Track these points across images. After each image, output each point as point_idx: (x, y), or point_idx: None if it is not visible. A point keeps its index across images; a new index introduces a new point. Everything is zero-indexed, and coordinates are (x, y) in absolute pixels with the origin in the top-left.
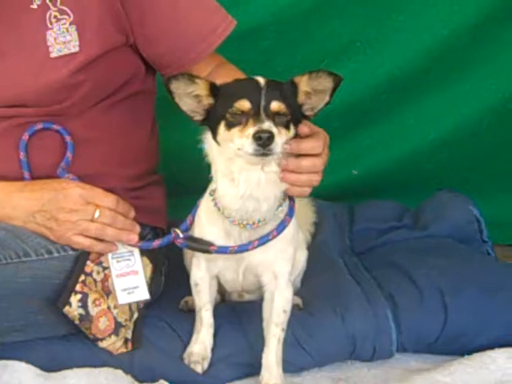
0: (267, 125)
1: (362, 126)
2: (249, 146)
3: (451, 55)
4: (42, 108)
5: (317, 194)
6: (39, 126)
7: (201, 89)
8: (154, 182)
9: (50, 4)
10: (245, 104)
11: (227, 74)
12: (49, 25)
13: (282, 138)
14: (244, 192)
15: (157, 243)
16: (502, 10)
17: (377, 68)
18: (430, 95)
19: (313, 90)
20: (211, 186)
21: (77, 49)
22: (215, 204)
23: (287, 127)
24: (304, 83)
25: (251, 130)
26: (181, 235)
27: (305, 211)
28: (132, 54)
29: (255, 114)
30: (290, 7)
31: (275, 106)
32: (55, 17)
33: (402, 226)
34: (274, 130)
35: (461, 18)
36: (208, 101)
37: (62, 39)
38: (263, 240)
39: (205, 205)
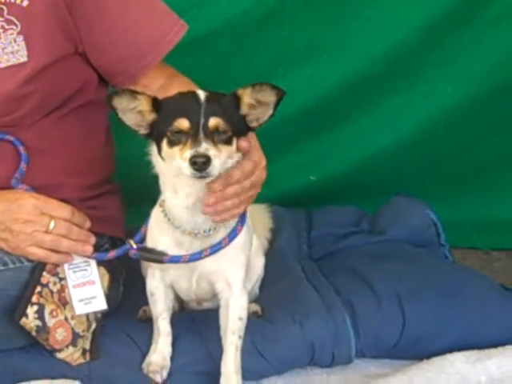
0: (204, 148)
1: (319, 131)
2: (186, 168)
3: (406, 59)
4: None
5: (274, 200)
6: None
7: (143, 105)
8: (110, 191)
9: None
10: (183, 123)
11: (179, 87)
12: None
13: (221, 157)
14: (189, 204)
15: (112, 254)
16: (456, 14)
17: (332, 73)
18: (386, 99)
19: (256, 102)
20: (161, 197)
21: (25, 59)
22: (165, 215)
23: (229, 142)
24: (247, 96)
25: (188, 153)
26: (134, 246)
27: (261, 217)
28: (82, 62)
29: (194, 134)
30: (243, 13)
31: (213, 122)
32: (2, 27)
33: (360, 231)
34: (211, 152)
35: (415, 22)
36: (151, 116)
37: (10, 49)
38: (215, 248)
39: (155, 215)
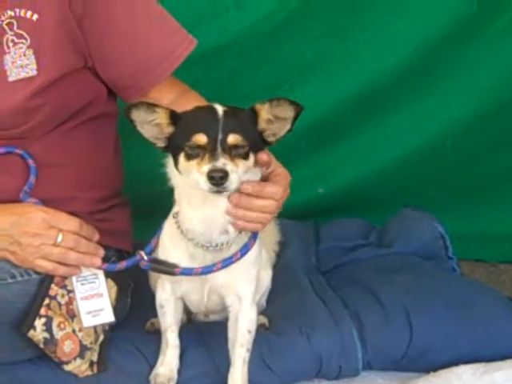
0: (221, 163)
1: (328, 144)
2: (204, 183)
3: (415, 72)
4: (2, 131)
5: (282, 213)
6: (1, 150)
7: (161, 117)
8: (119, 204)
9: (6, 28)
10: (202, 138)
11: (190, 103)
12: (6, 49)
13: (238, 172)
14: (205, 217)
15: (122, 265)
16: (464, 27)
17: (341, 86)
18: (395, 112)
19: (274, 118)
20: (174, 209)
21: (34, 72)
22: (178, 227)
23: (246, 157)
24: (265, 111)
25: (205, 167)
26: (145, 257)
27: (269, 230)
28: (91, 76)
29: (212, 148)
30: (252, 27)
31: (232, 139)
32: (12, 41)
33: (368, 244)
34: (229, 167)
35: (424, 36)
36: (169, 129)
37: (20, 63)
38: (227, 262)
39: (168, 227)
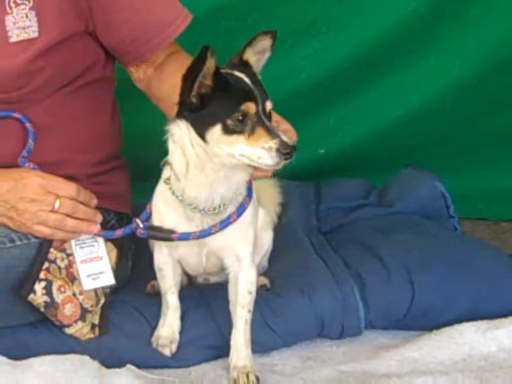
0: (286, 138)
1: (328, 104)
2: (271, 159)
3: (414, 32)
4: (1, 94)
5: (283, 174)
6: None
7: (211, 68)
8: (117, 167)
9: None
10: (252, 107)
11: (181, 63)
12: (8, 10)
13: None
14: (213, 185)
15: (118, 233)
16: None
17: (340, 47)
18: (395, 73)
19: (258, 54)
20: (165, 174)
21: (36, 34)
22: (173, 192)
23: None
24: (250, 55)
25: (272, 143)
26: (141, 225)
27: (271, 192)
28: (91, 41)
29: (259, 120)
30: None
31: (270, 106)
32: (14, 2)
33: (369, 204)
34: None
35: None
36: (209, 83)
37: (22, 24)
38: (224, 224)
39: (161, 194)
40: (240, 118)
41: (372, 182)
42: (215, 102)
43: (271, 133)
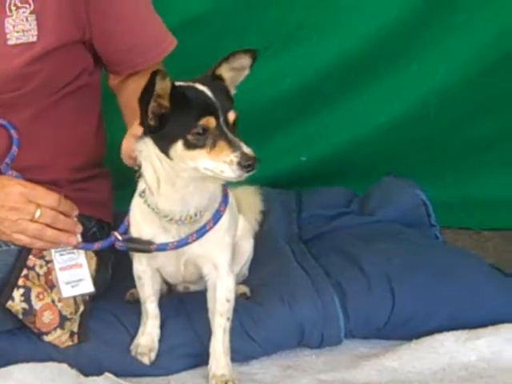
0: (247, 150)
1: (310, 111)
2: (232, 172)
3: (398, 39)
4: None
5: (264, 182)
6: None
7: (166, 88)
8: (100, 175)
9: None
10: (210, 121)
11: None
12: (8, 12)
13: None
14: (189, 197)
15: (97, 246)
16: None
17: (323, 53)
18: (378, 79)
19: (234, 72)
20: (139, 187)
21: (35, 38)
22: (148, 205)
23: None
24: (225, 71)
25: (233, 156)
26: (119, 238)
27: (252, 200)
28: (84, 49)
29: (220, 133)
30: None
31: (232, 117)
32: (15, 5)
33: (350, 212)
34: (253, 151)
35: (406, 1)
36: (165, 103)
37: (21, 27)
38: (201, 232)
39: (137, 206)
40: (200, 132)
41: (354, 190)
42: (174, 120)
43: (232, 145)
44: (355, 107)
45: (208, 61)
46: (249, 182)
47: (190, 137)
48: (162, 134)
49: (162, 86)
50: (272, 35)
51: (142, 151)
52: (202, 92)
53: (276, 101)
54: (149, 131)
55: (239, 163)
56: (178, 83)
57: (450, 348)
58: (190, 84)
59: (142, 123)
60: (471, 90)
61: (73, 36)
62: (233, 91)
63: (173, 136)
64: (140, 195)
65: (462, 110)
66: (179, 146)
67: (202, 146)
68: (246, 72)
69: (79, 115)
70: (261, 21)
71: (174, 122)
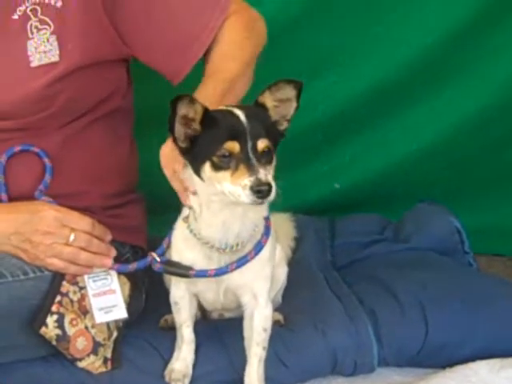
0: (263, 174)
1: (344, 138)
2: (246, 197)
3: (431, 65)
4: (19, 120)
5: (298, 209)
6: (17, 148)
7: (197, 112)
8: (134, 201)
9: (30, 14)
10: (235, 146)
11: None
12: (30, 35)
13: (273, 179)
14: (226, 223)
15: (133, 266)
16: (482, 19)
17: (357, 80)
18: (411, 106)
19: (278, 102)
20: (184, 213)
21: (57, 58)
22: (191, 231)
23: (271, 161)
24: (269, 100)
25: (247, 181)
26: (157, 259)
27: (285, 226)
28: (121, 67)
29: (245, 158)
30: (267, 20)
31: (261, 145)
32: (36, 27)
33: (384, 240)
34: (269, 177)
35: (441, 28)
36: (197, 128)
37: (43, 49)
38: (241, 262)
39: (180, 232)
40: (226, 155)
41: (387, 217)
42: (203, 143)
43: (251, 170)
44: (388, 134)
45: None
46: (282, 209)
47: (215, 159)
48: (194, 155)
49: (194, 109)
50: (304, 62)
51: (187, 176)
52: (235, 117)
53: (309, 128)
54: (181, 153)
55: (251, 188)
56: (221, 108)
57: (484, 377)
58: (228, 108)
59: (177, 146)
60: (505, 115)
61: (102, 53)
62: (284, 125)
63: (202, 157)
64: (183, 220)
65: (494, 136)
66: (207, 167)
67: (226, 169)
68: (294, 105)
69: (112, 140)
70: (293, 47)
71: (203, 144)
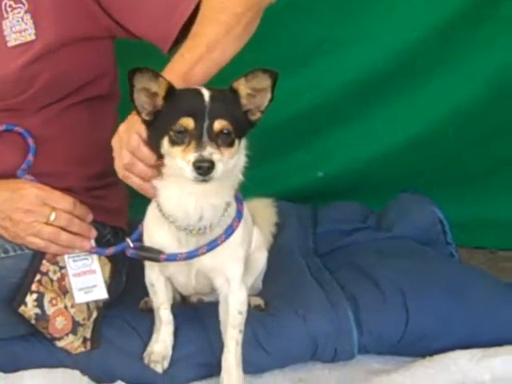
0: (208, 152)
1: (329, 127)
2: (189, 172)
3: (419, 57)
4: (0, 102)
5: (281, 196)
6: (1, 127)
7: (160, 88)
8: (115, 183)
9: None
10: (189, 123)
11: None
12: (4, 14)
13: (223, 161)
14: (182, 200)
15: (110, 251)
16: (470, 12)
17: (344, 69)
18: (398, 97)
19: (253, 91)
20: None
21: (33, 37)
22: (160, 210)
23: (231, 144)
24: (243, 87)
25: (191, 156)
26: (131, 245)
27: (267, 212)
28: (102, 46)
29: (198, 135)
30: None
31: (218, 125)
32: (10, 6)
33: (366, 228)
34: (216, 156)
35: (429, 20)
36: (160, 103)
37: (18, 28)
38: (212, 245)
39: (151, 211)
40: (181, 130)
41: (370, 206)
42: (163, 117)
43: (198, 146)
44: (374, 124)
45: (227, 75)
46: (265, 195)
47: (172, 133)
48: (155, 130)
49: (158, 84)
50: (292, 51)
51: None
52: (198, 95)
53: (294, 116)
54: (145, 126)
55: (194, 163)
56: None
57: (464, 366)
58: (197, 87)
59: (140, 118)
60: (491, 109)
61: (80, 29)
62: (257, 115)
63: (161, 132)
64: (155, 200)
65: (480, 129)
66: (165, 141)
67: (180, 144)
68: (268, 96)
69: (94, 123)
70: (281, 36)
71: (163, 119)
